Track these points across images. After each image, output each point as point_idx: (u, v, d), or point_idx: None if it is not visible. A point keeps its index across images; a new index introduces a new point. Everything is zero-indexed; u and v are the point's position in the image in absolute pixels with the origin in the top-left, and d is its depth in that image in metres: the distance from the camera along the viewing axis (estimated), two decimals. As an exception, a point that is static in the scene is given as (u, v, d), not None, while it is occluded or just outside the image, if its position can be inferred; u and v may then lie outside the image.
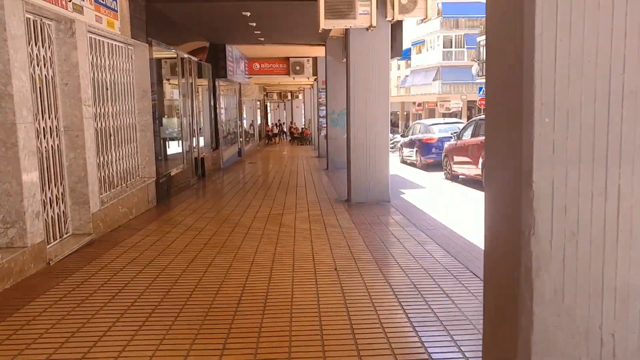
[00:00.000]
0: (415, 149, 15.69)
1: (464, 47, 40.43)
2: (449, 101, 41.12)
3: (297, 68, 19.73)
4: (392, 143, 22.95)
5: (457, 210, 8.37)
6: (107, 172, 6.79)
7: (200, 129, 13.34)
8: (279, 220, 7.07)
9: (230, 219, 7.25)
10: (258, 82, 25.69)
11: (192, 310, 3.82)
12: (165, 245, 5.78)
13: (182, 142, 10.74)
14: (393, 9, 7.60)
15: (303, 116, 35.24)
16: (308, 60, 19.71)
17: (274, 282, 4.44)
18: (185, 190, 10.21)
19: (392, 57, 8.28)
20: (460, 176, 11.76)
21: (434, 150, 14.92)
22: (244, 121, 24.21)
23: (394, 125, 46.93)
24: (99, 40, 6.61)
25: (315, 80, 20.04)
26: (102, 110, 6.71)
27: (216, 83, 14.50)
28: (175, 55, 10.39)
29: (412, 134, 16.71)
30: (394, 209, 7.80)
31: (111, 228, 6.48)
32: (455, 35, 40.44)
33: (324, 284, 4.38)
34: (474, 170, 10.59)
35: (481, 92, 26.58)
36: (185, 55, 11.14)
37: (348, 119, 8.28)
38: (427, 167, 15.13)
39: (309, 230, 6.45)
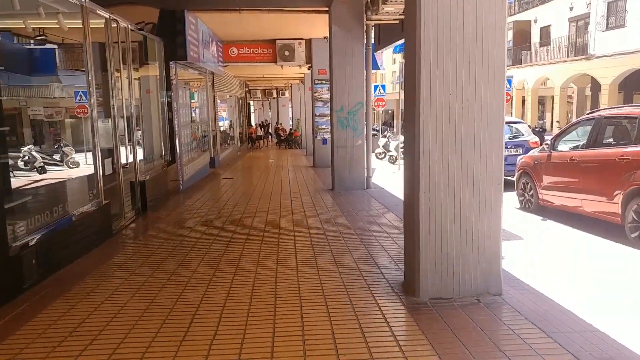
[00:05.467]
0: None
1: (469, 37, 36.15)
2: (453, 98, 36.80)
3: (286, 53, 15.30)
4: (383, 151, 18.51)
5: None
6: None
7: (142, 135, 8.83)
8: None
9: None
10: (238, 74, 21.17)
11: None
12: None
13: (98, 161, 6.20)
14: None
15: (290, 116, 30.85)
16: (300, 44, 15.31)
17: None
18: (93, 251, 5.65)
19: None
20: (548, 206, 7.39)
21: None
22: (222, 122, 19.70)
23: (387, 124, 42.64)
24: None
25: (309, 68, 15.59)
26: None
27: (171, 68, 9.97)
28: (79, 8, 5.85)
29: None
30: (541, 334, 3.38)
31: None
32: (460, 24, 36.13)
33: None
34: (601, 206, 6.17)
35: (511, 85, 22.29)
36: (107, 15, 6.62)
37: (414, 120, 3.82)
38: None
39: None
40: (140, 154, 8.01)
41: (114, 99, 6.83)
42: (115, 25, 7.00)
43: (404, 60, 3.87)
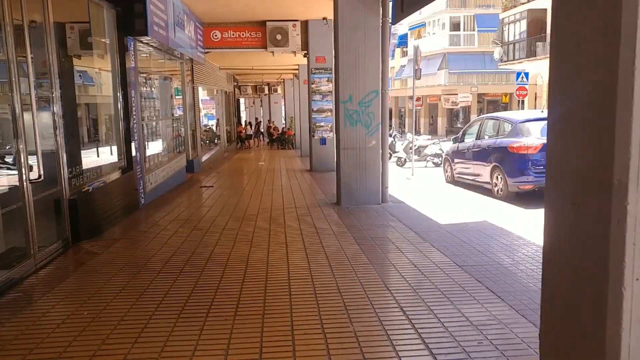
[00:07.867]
0: (490, 164, 9.05)
1: (474, 30, 34.04)
2: (456, 94, 34.77)
3: (278, 37, 12.99)
4: (389, 152, 16.13)
5: None
6: None
7: (80, 135, 6.50)
8: None
9: None
10: (224, 65, 18.85)
11: None
12: None
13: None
14: None
15: (283, 114, 28.60)
16: (294, 26, 13.02)
17: None
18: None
19: None
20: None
21: (530, 166, 8.29)
22: (207, 120, 17.39)
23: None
24: None
25: (305, 56, 13.28)
26: None
27: (130, 47, 7.61)
28: None
29: (480, 138, 10.04)
30: None
31: None
32: (464, 16, 34.03)
33: None
34: None
35: (519, 79, 20.19)
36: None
37: (604, 113, 1.53)
38: (519, 198, 8.47)
39: None
40: (79, 160, 5.65)
41: (14, 87, 4.47)
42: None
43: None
